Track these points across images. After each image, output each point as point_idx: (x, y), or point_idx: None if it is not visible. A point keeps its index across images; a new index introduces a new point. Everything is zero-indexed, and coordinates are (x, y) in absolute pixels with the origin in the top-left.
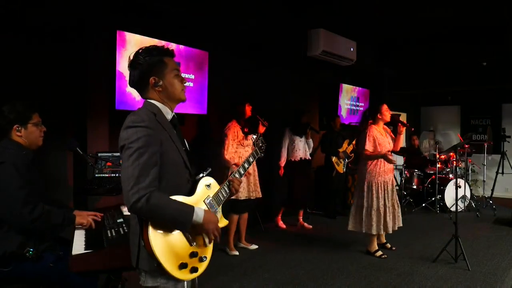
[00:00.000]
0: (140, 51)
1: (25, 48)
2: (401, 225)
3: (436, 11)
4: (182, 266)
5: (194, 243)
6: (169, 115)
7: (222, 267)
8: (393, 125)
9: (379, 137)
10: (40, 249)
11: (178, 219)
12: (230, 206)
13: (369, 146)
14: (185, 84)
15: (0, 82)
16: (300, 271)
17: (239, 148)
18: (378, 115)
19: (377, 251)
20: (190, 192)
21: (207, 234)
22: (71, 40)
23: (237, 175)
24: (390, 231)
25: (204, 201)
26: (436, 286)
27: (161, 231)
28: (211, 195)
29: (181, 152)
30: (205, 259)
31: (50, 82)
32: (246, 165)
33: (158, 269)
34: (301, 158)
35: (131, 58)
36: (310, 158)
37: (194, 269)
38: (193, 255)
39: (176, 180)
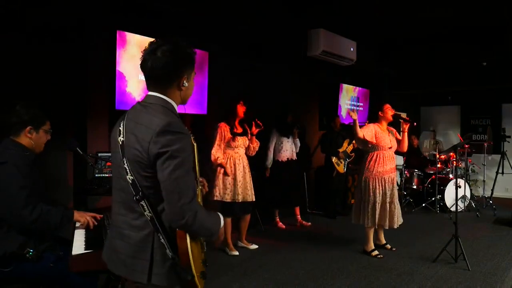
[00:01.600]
0: (175, 42)
1: (25, 48)
2: (401, 221)
3: (436, 11)
4: (202, 275)
5: (203, 250)
6: None
7: (222, 267)
8: (396, 123)
9: (379, 132)
10: (40, 249)
11: (214, 230)
12: (221, 209)
13: (365, 133)
14: None
15: (0, 82)
16: (300, 271)
17: (227, 149)
18: (380, 113)
19: (373, 250)
20: None
21: (219, 237)
22: (71, 40)
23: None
24: (387, 226)
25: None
26: (436, 286)
27: (194, 243)
28: (200, 199)
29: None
30: (207, 264)
31: (50, 82)
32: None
33: (186, 283)
34: (288, 158)
35: (161, 44)
36: (296, 158)
37: (204, 275)
38: (204, 262)
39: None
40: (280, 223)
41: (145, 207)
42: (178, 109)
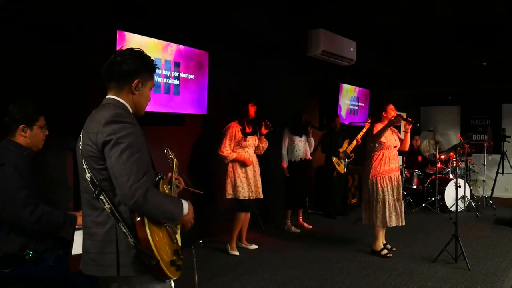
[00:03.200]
0: (136, 50)
1: (25, 48)
2: (404, 223)
3: (436, 11)
4: (172, 263)
5: (174, 241)
6: None
7: (222, 267)
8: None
9: (386, 132)
10: (40, 250)
11: (175, 213)
12: (236, 205)
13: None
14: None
15: (0, 82)
16: (300, 271)
17: (237, 148)
18: (383, 113)
19: (382, 249)
20: None
21: (185, 225)
22: (71, 40)
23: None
24: (394, 224)
25: None
26: (436, 286)
27: (156, 228)
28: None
29: (150, 153)
30: (182, 257)
31: (50, 82)
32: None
33: (152, 269)
34: (301, 158)
35: (123, 50)
36: (310, 158)
37: (179, 267)
38: (176, 252)
39: (152, 179)
40: (293, 227)
41: (104, 201)
42: (179, 109)
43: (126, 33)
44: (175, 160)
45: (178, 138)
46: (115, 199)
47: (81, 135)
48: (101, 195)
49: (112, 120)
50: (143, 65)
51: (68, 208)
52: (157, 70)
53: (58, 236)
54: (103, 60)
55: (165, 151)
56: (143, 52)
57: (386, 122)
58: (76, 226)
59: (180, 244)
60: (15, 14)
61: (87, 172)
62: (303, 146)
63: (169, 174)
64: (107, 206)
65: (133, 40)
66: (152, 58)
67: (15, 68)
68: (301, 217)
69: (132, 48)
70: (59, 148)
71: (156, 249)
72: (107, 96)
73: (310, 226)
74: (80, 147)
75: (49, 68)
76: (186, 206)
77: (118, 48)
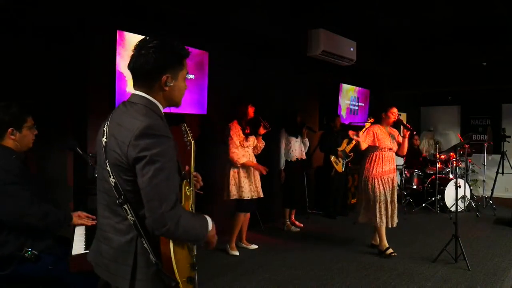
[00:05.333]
0: (161, 40)
1: (25, 48)
2: (395, 225)
3: (436, 11)
4: (189, 280)
5: (192, 253)
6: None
7: (222, 267)
8: (396, 127)
9: (379, 134)
10: (39, 248)
11: (201, 235)
12: (236, 205)
13: (367, 142)
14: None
15: (0, 82)
16: (300, 271)
17: (239, 149)
18: (383, 115)
19: (387, 249)
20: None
21: (211, 242)
22: (71, 40)
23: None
24: (389, 226)
25: (190, 207)
26: (436, 286)
27: (179, 248)
28: (191, 200)
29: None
30: (196, 267)
31: (50, 82)
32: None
33: None
34: (297, 158)
35: (147, 41)
36: (305, 158)
37: (193, 281)
38: (192, 266)
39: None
40: (292, 227)
41: (128, 211)
42: (179, 109)
43: (126, 33)
44: (193, 142)
45: (178, 138)
46: (140, 212)
47: (105, 130)
48: (126, 205)
49: (147, 133)
50: (170, 57)
51: (68, 208)
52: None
53: (57, 235)
54: (103, 60)
55: (182, 128)
56: (168, 40)
57: (384, 124)
58: (77, 225)
59: (195, 252)
60: (15, 14)
61: (112, 177)
62: (298, 147)
63: (186, 167)
64: (130, 217)
65: (133, 40)
66: (181, 44)
67: (15, 68)
68: (293, 216)
69: (155, 39)
70: (59, 148)
71: (178, 270)
72: (136, 93)
73: (302, 225)
74: (104, 144)
75: (49, 68)
76: (210, 224)
77: (118, 47)
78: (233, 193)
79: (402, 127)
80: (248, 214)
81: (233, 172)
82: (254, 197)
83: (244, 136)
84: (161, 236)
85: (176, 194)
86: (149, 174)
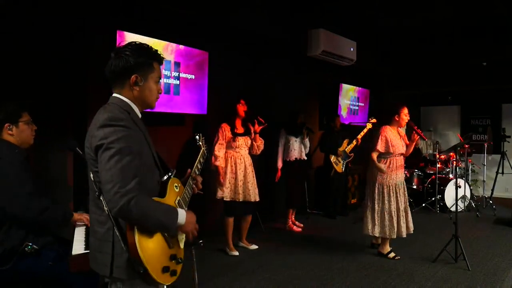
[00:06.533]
0: (133, 44)
1: (25, 48)
2: (411, 231)
3: (436, 11)
4: (165, 270)
5: (172, 245)
6: (139, 115)
7: (222, 267)
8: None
9: (393, 138)
10: (39, 243)
11: (165, 222)
12: (224, 208)
13: (380, 147)
14: (159, 95)
15: (0, 82)
16: (300, 271)
17: (228, 149)
18: (396, 117)
19: (390, 252)
20: (160, 193)
21: (187, 235)
22: (71, 40)
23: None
24: (404, 235)
25: (175, 202)
26: (436, 286)
27: (146, 236)
28: (179, 197)
29: (153, 153)
30: (181, 260)
31: (50, 82)
32: (199, 166)
33: (141, 276)
34: (296, 158)
35: (121, 46)
36: (305, 158)
37: (174, 272)
38: (172, 257)
39: (149, 182)
40: (294, 226)
41: (103, 202)
42: (179, 109)
43: (126, 33)
44: (203, 148)
45: (178, 138)
46: None
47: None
48: (101, 197)
49: (105, 124)
50: (140, 58)
51: (68, 208)
52: (163, 59)
53: (58, 235)
54: (103, 60)
55: (197, 137)
56: (142, 44)
57: (395, 125)
58: (77, 223)
59: (182, 246)
60: (15, 14)
61: (90, 172)
62: (298, 147)
63: (188, 170)
64: (105, 208)
65: (133, 40)
66: (155, 49)
67: (15, 68)
68: (293, 216)
69: (130, 43)
70: (59, 148)
71: (144, 257)
72: (112, 95)
73: (302, 225)
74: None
75: (49, 68)
76: (182, 215)
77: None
78: (218, 192)
79: (414, 132)
80: (249, 217)
81: (220, 173)
82: (237, 200)
83: (232, 136)
84: (117, 217)
85: (132, 177)
86: (104, 160)
